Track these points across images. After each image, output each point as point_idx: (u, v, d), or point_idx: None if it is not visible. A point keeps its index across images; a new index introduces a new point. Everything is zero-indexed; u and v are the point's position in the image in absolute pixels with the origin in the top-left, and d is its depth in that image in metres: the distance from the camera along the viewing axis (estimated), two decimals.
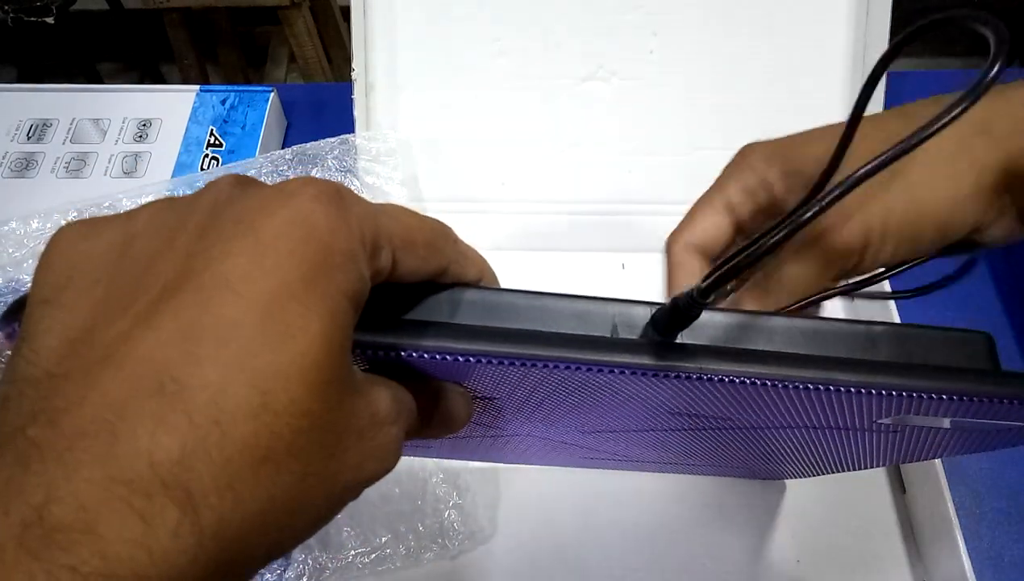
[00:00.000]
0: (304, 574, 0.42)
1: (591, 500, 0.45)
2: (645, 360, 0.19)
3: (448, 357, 0.19)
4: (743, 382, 0.19)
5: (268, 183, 0.17)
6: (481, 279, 0.22)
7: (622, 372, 0.19)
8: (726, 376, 0.19)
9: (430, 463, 0.45)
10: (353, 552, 0.43)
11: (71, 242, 0.17)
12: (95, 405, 0.14)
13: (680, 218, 0.32)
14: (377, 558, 0.42)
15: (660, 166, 0.54)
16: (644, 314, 0.20)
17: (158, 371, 0.14)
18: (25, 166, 0.58)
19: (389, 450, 0.18)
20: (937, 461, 0.41)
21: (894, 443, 0.27)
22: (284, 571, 0.42)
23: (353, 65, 0.53)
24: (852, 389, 0.19)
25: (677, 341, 0.20)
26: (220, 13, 1.48)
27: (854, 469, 0.35)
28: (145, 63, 1.67)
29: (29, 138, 0.60)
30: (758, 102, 0.53)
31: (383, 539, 0.43)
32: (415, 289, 0.20)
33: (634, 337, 0.20)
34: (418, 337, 0.19)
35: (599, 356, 0.19)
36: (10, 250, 0.54)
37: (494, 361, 0.19)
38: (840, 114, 0.54)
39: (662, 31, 0.52)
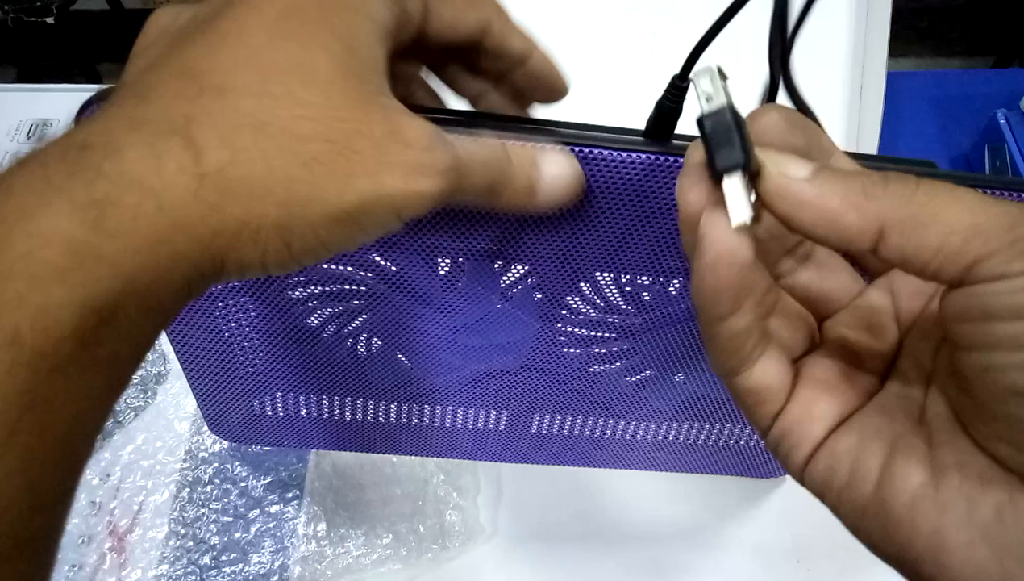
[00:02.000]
0: (305, 575, 0.42)
1: (591, 500, 0.45)
2: (644, 145, 0.24)
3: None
4: None
5: None
6: (528, 59, 0.27)
7: (624, 154, 0.24)
8: None
9: (431, 464, 0.45)
10: (354, 553, 0.43)
11: (161, 19, 0.21)
12: (130, 86, 0.18)
13: None
14: (378, 559, 0.43)
15: None
16: (639, 132, 0.25)
17: (182, 68, 0.18)
18: None
19: (414, 172, 0.19)
20: None
21: None
22: (285, 571, 0.42)
23: None
24: None
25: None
26: None
27: None
28: None
29: (29, 138, 0.60)
30: (758, 102, 0.53)
31: (384, 540, 0.43)
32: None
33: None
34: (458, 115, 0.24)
35: (607, 135, 0.24)
36: None
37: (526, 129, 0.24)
38: (840, 113, 0.54)
39: (662, 31, 0.52)
